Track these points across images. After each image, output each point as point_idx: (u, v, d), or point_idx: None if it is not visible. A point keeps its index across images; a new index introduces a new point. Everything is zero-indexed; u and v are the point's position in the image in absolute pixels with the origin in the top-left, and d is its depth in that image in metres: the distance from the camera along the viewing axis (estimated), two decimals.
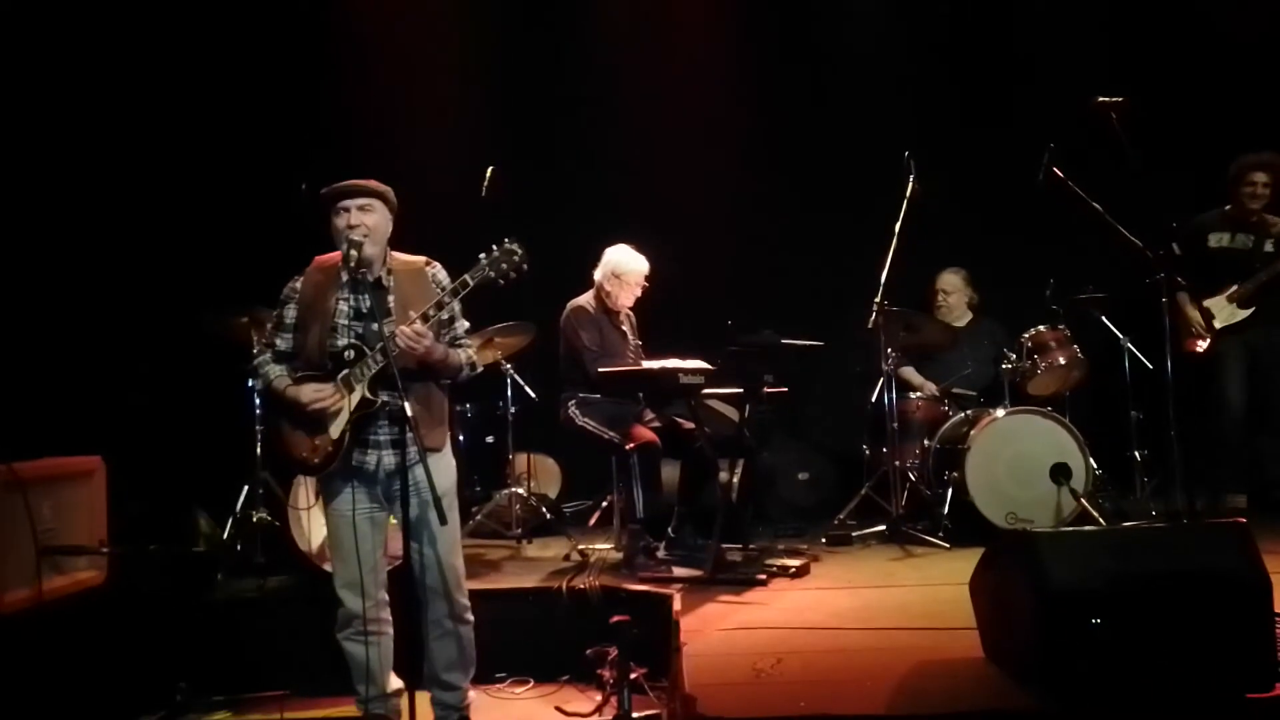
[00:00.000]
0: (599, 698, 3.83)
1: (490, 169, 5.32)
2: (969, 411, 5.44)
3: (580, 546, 5.11)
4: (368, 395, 3.32)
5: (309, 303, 3.45)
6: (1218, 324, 5.26)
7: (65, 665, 3.81)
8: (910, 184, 5.33)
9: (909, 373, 5.92)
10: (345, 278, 3.40)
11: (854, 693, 2.96)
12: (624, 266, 5.07)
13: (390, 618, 3.53)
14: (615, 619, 3.63)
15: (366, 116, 6.34)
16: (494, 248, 3.30)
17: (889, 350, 5.36)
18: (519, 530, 5.55)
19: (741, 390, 4.71)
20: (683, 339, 5.05)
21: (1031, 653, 2.86)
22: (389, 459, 3.39)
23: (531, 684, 4.21)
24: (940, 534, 5.09)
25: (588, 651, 3.84)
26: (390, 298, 3.43)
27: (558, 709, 3.96)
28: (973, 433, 5.15)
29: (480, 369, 3.62)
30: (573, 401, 4.97)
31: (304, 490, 4.41)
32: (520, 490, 5.72)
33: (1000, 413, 5.21)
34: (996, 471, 5.06)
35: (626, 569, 4.61)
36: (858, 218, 5.97)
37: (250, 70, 6.05)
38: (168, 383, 5.62)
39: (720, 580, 4.33)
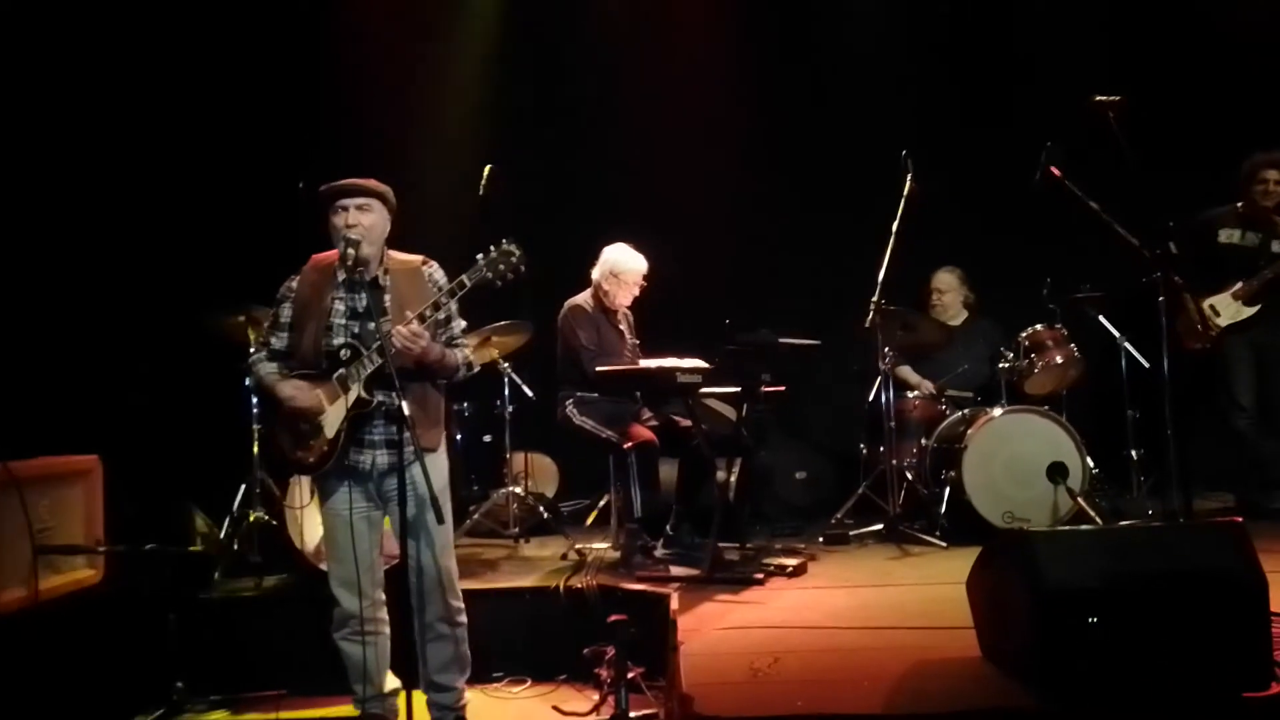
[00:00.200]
0: (596, 697, 3.83)
1: (488, 167, 5.32)
2: (966, 411, 5.44)
3: (578, 546, 5.11)
4: (363, 395, 3.32)
5: (305, 302, 3.44)
6: (1223, 321, 5.26)
7: (62, 665, 3.81)
8: (908, 183, 5.32)
9: (906, 372, 5.92)
10: (342, 277, 3.40)
11: (851, 692, 2.96)
12: (622, 266, 5.07)
13: (387, 617, 3.53)
14: (612, 618, 3.63)
15: (366, 116, 6.34)
16: (491, 249, 3.30)
17: (886, 349, 5.36)
18: (516, 529, 5.55)
19: (739, 389, 4.71)
20: (681, 338, 5.05)
21: (1028, 652, 2.86)
22: (384, 459, 3.39)
23: (529, 683, 4.22)
24: (937, 533, 5.09)
25: (585, 651, 3.84)
26: (387, 297, 3.43)
27: (555, 708, 3.96)
28: (970, 432, 5.15)
29: (477, 369, 3.62)
30: (570, 400, 4.97)
31: (301, 489, 4.41)
32: (518, 489, 5.72)
33: (997, 412, 5.21)
34: (993, 471, 5.06)
35: (624, 568, 4.61)
36: (856, 217, 5.97)
37: (250, 70, 6.04)
38: (165, 382, 5.61)
39: (718, 579, 4.33)
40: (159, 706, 4.06)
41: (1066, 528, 4.57)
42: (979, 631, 3.22)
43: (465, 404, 6.13)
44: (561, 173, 6.67)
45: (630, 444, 4.70)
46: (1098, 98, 4.50)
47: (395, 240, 3.52)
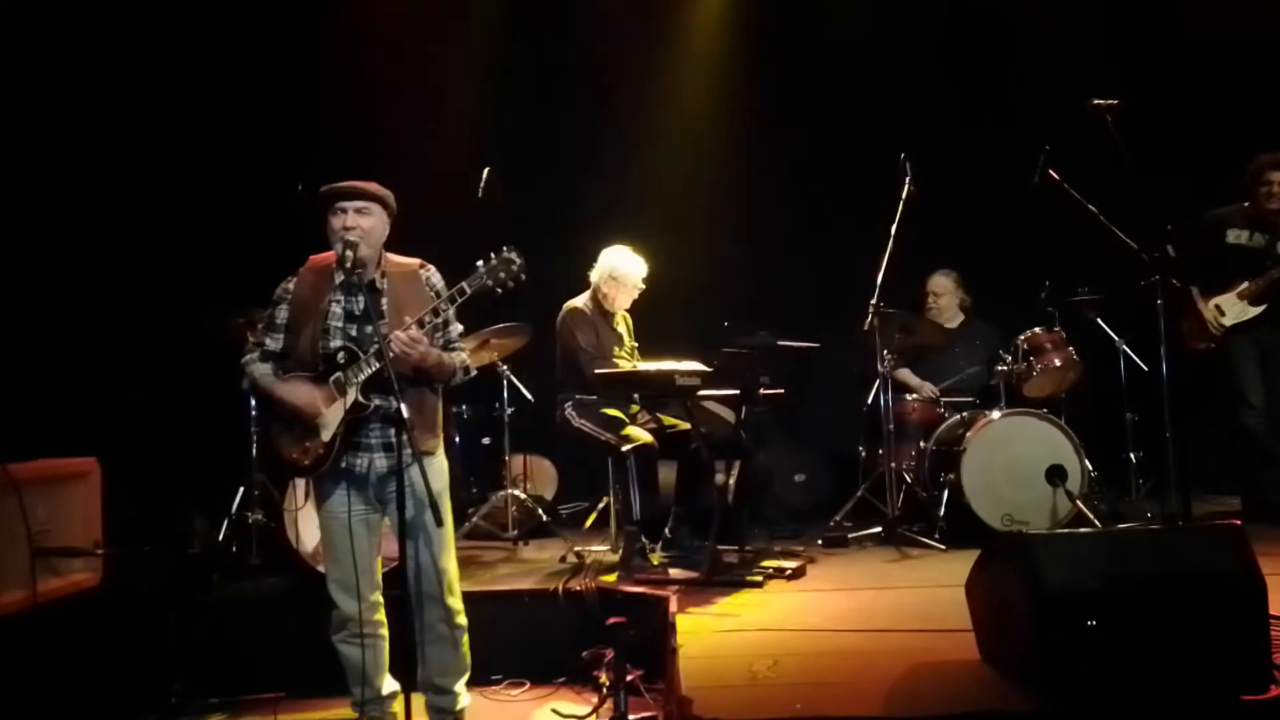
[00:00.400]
0: (595, 700, 3.82)
1: (487, 170, 5.32)
2: (965, 413, 5.44)
3: (576, 548, 5.10)
4: (360, 399, 3.32)
5: (302, 303, 3.44)
6: (1229, 321, 5.27)
7: (60, 667, 3.80)
8: (906, 186, 5.33)
9: (906, 374, 5.92)
10: (339, 279, 3.40)
11: (850, 695, 2.96)
12: (621, 269, 5.07)
13: (385, 620, 3.53)
14: (611, 621, 3.63)
15: (366, 116, 6.34)
16: (492, 255, 3.29)
17: (885, 352, 5.36)
18: (515, 532, 5.55)
19: (738, 392, 4.71)
20: (679, 340, 5.05)
21: (1027, 655, 2.85)
22: (380, 462, 3.39)
23: (528, 686, 4.21)
24: (936, 536, 5.08)
25: (584, 653, 3.83)
26: (384, 301, 3.42)
27: (554, 711, 3.96)
28: (969, 435, 5.15)
29: (474, 373, 3.61)
30: (569, 403, 4.97)
31: (299, 491, 4.40)
32: (517, 492, 5.72)
33: (996, 415, 5.21)
34: (992, 473, 5.06)
35: (623, 571, 4.60)
36: (855, 220, 5.98)
37: (250, 70, 6.05)
38: (164, 384, 5.61)
39: (716, 582, 4.32)
40: (157, 709, 4.05)
41: (1065, 530, 4.57)
42: (978, 634, 3.22)
43: (464, 406, 6.13)
44: (559, 173, 6.67)
45: (629, 447, 4.70)
46: (1096, 101, 4.51)
47: (394, 242, 3.52)
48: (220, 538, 4.96)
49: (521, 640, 4.31)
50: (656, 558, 4.64)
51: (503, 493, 5.68)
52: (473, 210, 5.20)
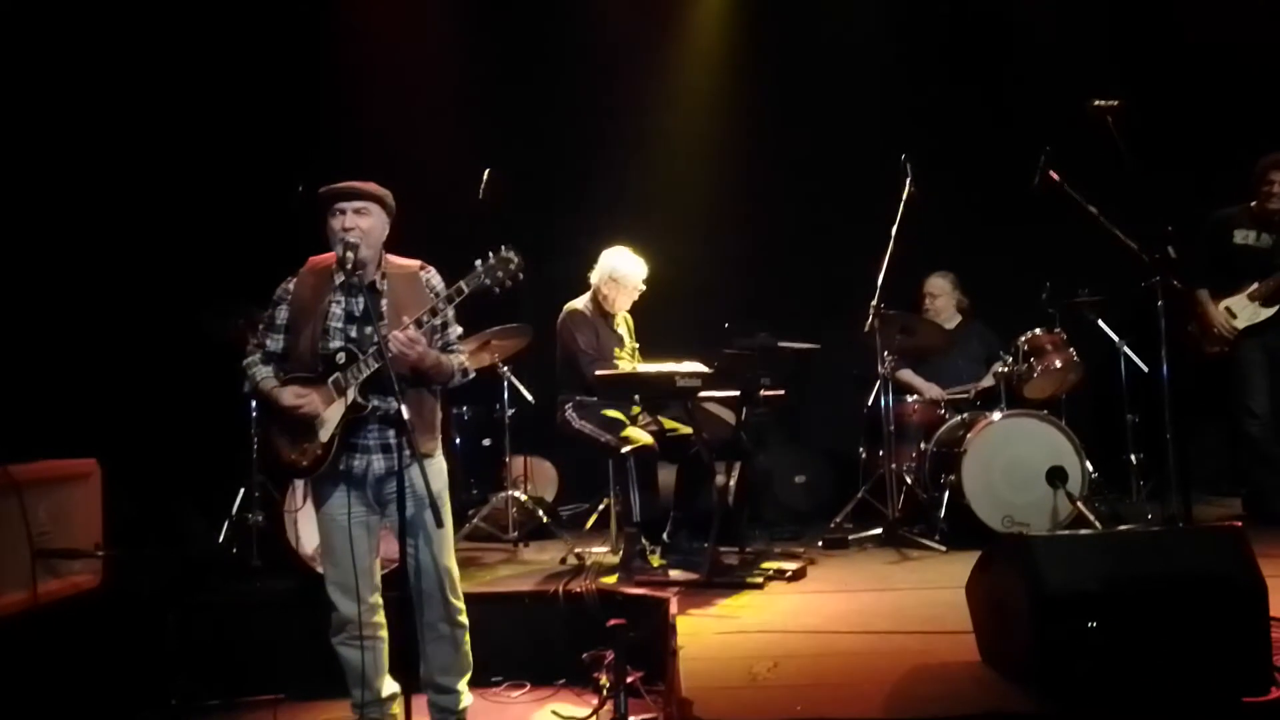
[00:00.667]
0: (595, 701, 3.81)
1: (487, 171, 5.32)
2: (965, 415, 5.44)
3: (577, 550, 5.10)
4: (359, 400, 3.31)
5: (302, 304, 3.44)
6: (1240, 323, 5.24)
7: (60, 669, 3.81)
8: (907, 187, 5.33)
9: (908, 375, 5.91)
10: (339, 280, 3.39)
11: (850, 696, 2.96)
12: (621, 270, 5.06)
13: (384, 621, 3.52)
14: (612, 622, 3.63)
15: (366, 117, 6.34)
16: (490, 255, 3.29)
17: (885, 353, 5.36)
18: (515, 533, 5.55)
19: (738, 393, 4.71)
20: (680, 341, 5.04)
21: (1027, 656, 2.85)
22: (379, 463, 3.39)
23: (528, 687, 4.21)
24: (936, 537, 5.08)
25: (584, 655, 3.83)
26: (384, 302, 3.42)
27: (554, 713, 3.96)
28: (969, 436, 5.15)
29: (472, 375, 3.60)
30: (569, 405, 4.97)
31: (299, 492, 4.40)
32: (517, 493, 5.72)
33: (996, 416, 5.21)
34: (993, 475, 5.05)
35: (623, 572, 4.60)
36: (855, 221, 5.97)
37: (250, 70, 6.05)
38: (164, 385, 5.61)
39: (717, 584, 4.32)
40: (157, 711, 4.05)
41: (1066, 532, 4.57)
42: (978, 636, 3.21)
43: (465, 408, 6.13)
44: (561, 176, 6.67)
45: (629, 448, 4.70)
46: (1096, 102, 4.51)
47: (394, 242, 3.52)
48: (220, 539, 4.96)
49: (522, 642, 4.31)
50: (656, 559, 4.63)
51: (503, 494, 5.67)
52: (473, 211, 5.20)
